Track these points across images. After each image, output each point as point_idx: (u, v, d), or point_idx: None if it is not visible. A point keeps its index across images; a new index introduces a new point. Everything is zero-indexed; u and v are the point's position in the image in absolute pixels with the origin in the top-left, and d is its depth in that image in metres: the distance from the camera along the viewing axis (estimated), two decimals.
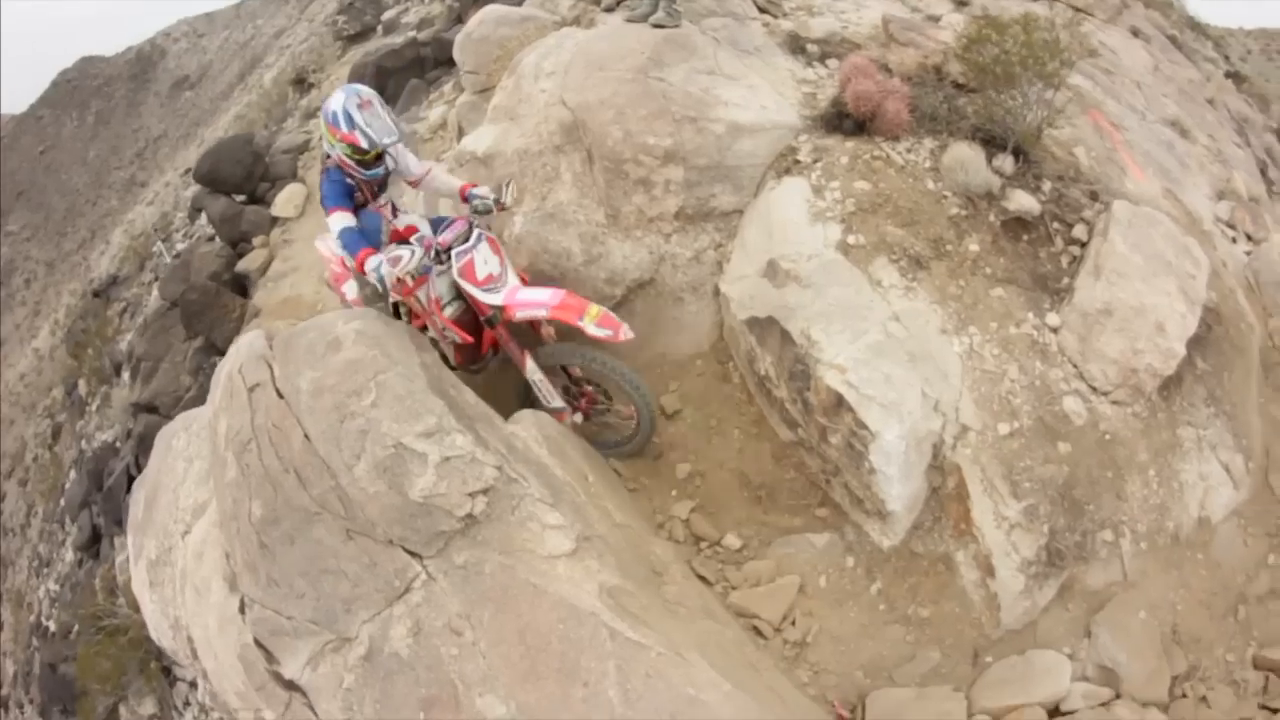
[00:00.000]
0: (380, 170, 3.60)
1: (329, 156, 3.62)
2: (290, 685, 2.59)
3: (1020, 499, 3.18)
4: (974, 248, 3.60)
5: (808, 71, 4.38)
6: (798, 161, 3.84)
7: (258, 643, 2.65)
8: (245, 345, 3.17)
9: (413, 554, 2.56)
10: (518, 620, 2.43)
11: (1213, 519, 3.63)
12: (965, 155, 3.69)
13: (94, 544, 7.81)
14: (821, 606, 3.29)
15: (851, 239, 3.54)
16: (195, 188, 9.77)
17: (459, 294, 3.63)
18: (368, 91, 3.49)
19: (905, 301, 3.41)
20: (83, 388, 9.94)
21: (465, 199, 3.79)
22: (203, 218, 8.81)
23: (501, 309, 3.54)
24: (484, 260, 3.52)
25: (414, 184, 3.83)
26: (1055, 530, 3.21)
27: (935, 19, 4.91)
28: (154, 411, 7.26)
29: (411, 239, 3.60)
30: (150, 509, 3.55)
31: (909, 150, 3.85)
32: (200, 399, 5.38)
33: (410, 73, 7.68)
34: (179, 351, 7.55)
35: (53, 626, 7.73)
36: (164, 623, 3.32)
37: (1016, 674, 3.18)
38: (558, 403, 3.73)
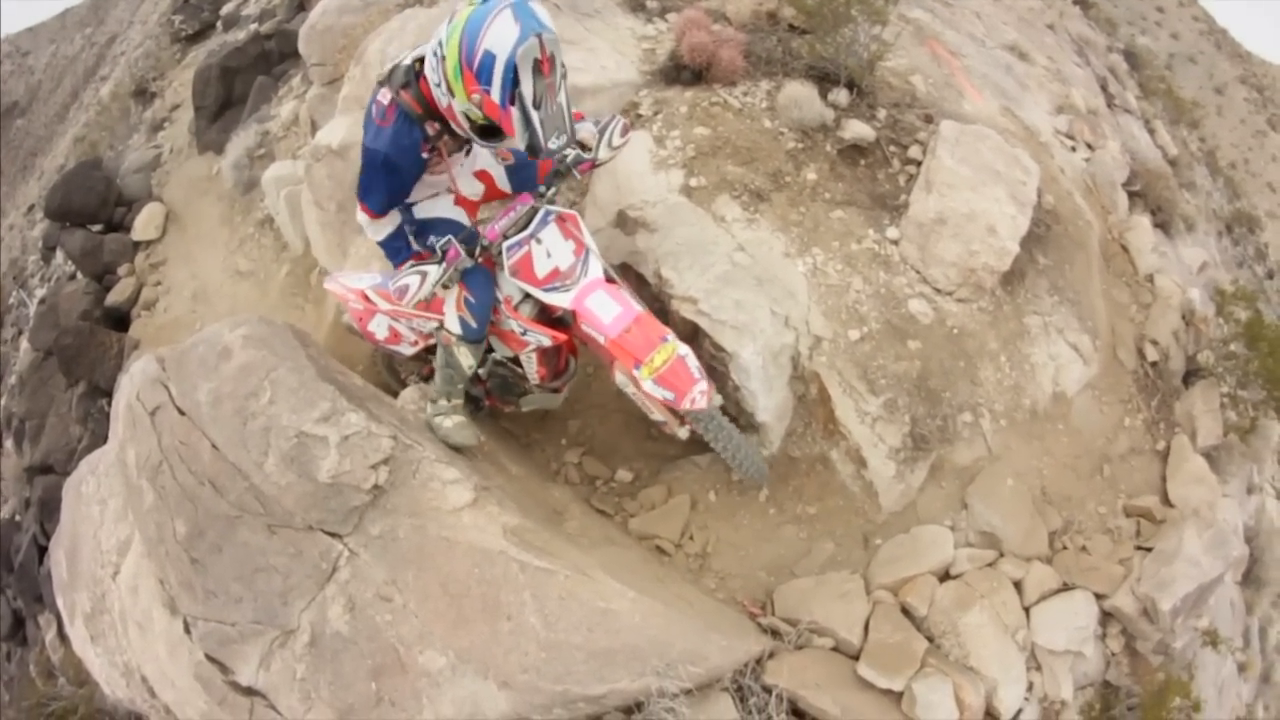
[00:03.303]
0: (502, 140, 2.81)
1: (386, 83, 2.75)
2: (249, 691, 2.78)
3: (878, 395, 3.66)
4: (812, 176, 4.09)
5: (648, 28, 4.79)
6: (639, 115, 4.24)
7: (209, 658, 2.84)
8: (138, 372, 3.34)
9: (332, 535, 2.82)
10: (438, 574, 2.73)
11: (1068, 393, 4.17)
12: (799, 93, 4.19)
13: (18, 630, 7.56)
14: (715, 519, 3.73)
15: (694, 181, 3.96)
16: (43, 225, 9.55)
17: None
18: (551, 36, 2.41)
19: (748, 232, 3.86)
20: None
21: None
22: (58, 256, 8.62)
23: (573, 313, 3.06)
24: (547, 252, 3.04)
25: None
26: (916, 418, 3.69)
27: None
28: (49, 471, 7.12)
29: (437, 243, 2.91)
30: (73, 563, 3.64)
31: (745, 94, 4.31)
32: (94, 446, 5.34)
33: (256, 70, 7.53)
34: (63, 402, 7.42)
35: None
36: (114, 673, 3.40)
37: (905, 550, 3.61)
38: (657, 416, 3.30)
